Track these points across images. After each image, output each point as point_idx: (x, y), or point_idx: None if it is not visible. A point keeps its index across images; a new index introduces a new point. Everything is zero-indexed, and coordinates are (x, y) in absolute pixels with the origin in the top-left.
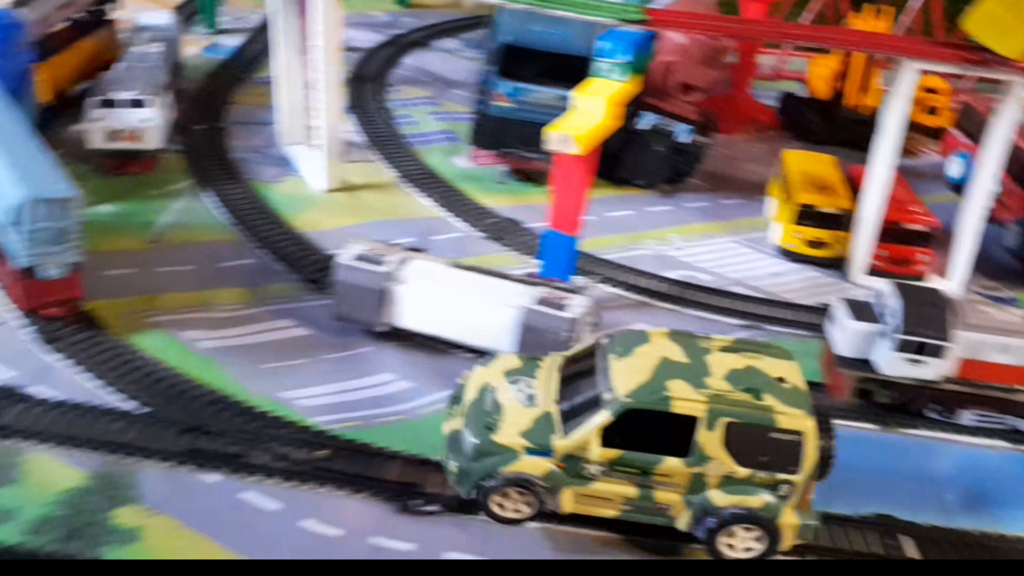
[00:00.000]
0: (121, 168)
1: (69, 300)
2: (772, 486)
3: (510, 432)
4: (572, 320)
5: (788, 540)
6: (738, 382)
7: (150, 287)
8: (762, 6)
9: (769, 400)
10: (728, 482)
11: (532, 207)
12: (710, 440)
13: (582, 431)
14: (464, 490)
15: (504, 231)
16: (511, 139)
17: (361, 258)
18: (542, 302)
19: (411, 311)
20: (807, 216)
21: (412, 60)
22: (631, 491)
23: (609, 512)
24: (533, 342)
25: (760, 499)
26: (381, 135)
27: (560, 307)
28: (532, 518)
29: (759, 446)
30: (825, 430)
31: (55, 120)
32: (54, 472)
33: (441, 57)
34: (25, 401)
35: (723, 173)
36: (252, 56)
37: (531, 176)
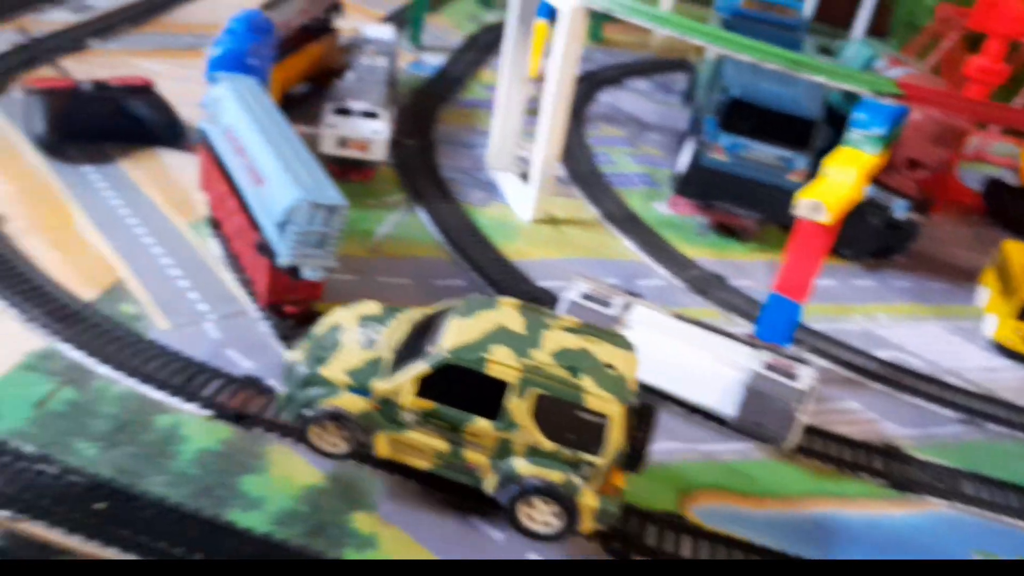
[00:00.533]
0: (343, 175)
1: (308, 300)
2: (575, 464)
3: (337, 368)
4: (802, 392)
5: (586, 522)
6: (563, 359)
7: (376, 296)
8: (984, 88)
9: (585, 381)
10: (533, 453)
11: (735, 264)
12: (519, 408)
13: (400, 378)
14: (289, 416)
15: (708, 285)
16: (722, 192)
17: (589, 297)
18: (771, 368)
19: None
20: None
21: (607, 97)
22: (442, 445)
23: (423, 464)
24: (758, 408)
25: (562, 475)
26: (582, 172)
27: (790, 376)
28: (349, 456)
29: (566, 423)
30: (643, 425)
31: None
32: (295, 467)
33: (634, 97)
34: (267, 394)
35: (928, 254)
36: (455, 77)
37: (733, 231)
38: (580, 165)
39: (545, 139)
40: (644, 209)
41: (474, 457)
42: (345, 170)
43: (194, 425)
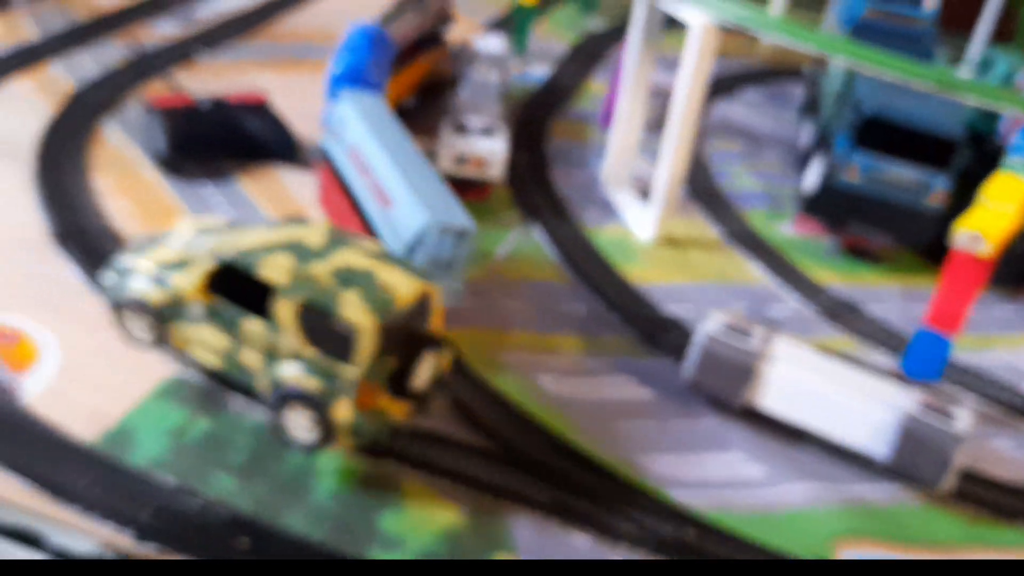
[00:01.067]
0: (459, 194)
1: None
2: (330, 375)
3: (148, 260)
4: (961, 436)
5: (341, 435)
6: (341, 274)
7: (497, 321)
8: None
9: (347, 294)
10: (297, 358)
11: (867, 289)
12: (285, 312)
13: (191, 274)
14: (108, 301)
15: (841, 313)
16: (854, 214)
17: (730, 329)
18: (927, 408)
19: (775, 393)
20: None
21: (719, 109)
22: (224, 343)
23: (211, 360)
24: (913, 451)
25: (319, 384)
26: (701, 189)
27: (947, 417)
28: (156, 345)
29: (323, 331)
30: (422, 356)
31: None
32: (431, 502)
33: (746, 109)
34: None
35: None
36: (562, 87)
37: (864, 254)
38: (699, 182)
39: (671, 157)
40: (767, 229)
41: (249, 358)
42: (461, 189)
43: (327, 457)
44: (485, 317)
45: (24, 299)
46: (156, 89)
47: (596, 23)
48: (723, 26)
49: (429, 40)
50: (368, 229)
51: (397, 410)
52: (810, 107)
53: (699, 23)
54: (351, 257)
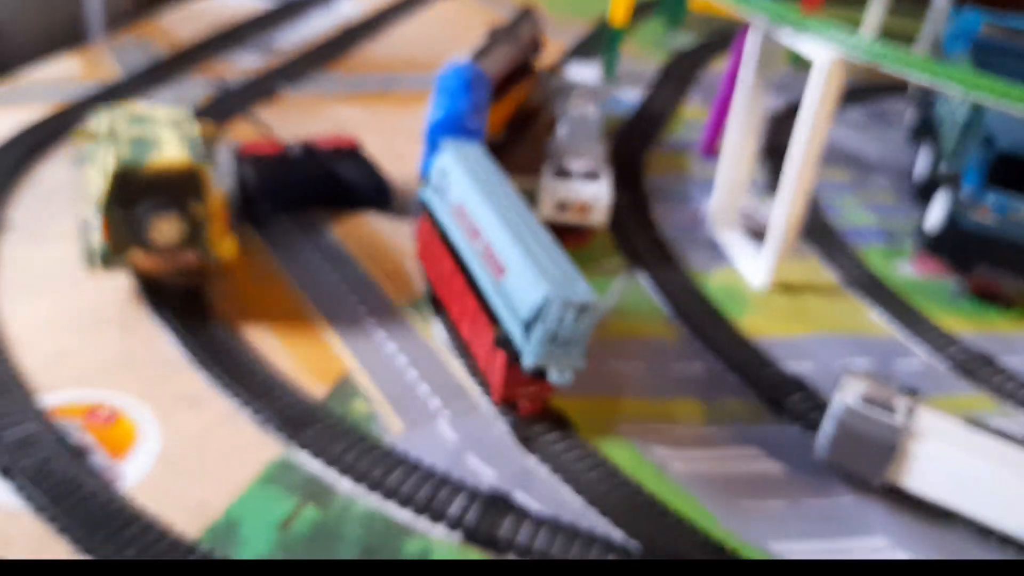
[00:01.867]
0: (561, 240)
1: (544, 395)
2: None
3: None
4: None
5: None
6: (132, 138)
7: (607, 386)
8: None
9: (116, 146)
10: None
11: (1001, 337)
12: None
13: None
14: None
15: (974, 366)
16: (985, 257)
17: (869, 401)
18: None
19: (922, 473)
20: None
21: None
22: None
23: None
24: None
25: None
26: (810, 225)
27: None
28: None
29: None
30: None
31: None
32: None
33: (848, 131)
34: (513, 511)
35: None
36: (655, 114)
37: (996, 298)
38: (809, 217)
39: (789, 199)
40: (886, 270)
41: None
42: (561, 235)
43: (444, 551)
44: (594, 382)
45: (120, 373)
46: (242, 131)
47: (683, 40)
48: (851, 60)
49: (520, 71)
50: (474, 293)
51: (140, 258)
52: (924, 131)
53: (825, 58)
54: (156, 127)
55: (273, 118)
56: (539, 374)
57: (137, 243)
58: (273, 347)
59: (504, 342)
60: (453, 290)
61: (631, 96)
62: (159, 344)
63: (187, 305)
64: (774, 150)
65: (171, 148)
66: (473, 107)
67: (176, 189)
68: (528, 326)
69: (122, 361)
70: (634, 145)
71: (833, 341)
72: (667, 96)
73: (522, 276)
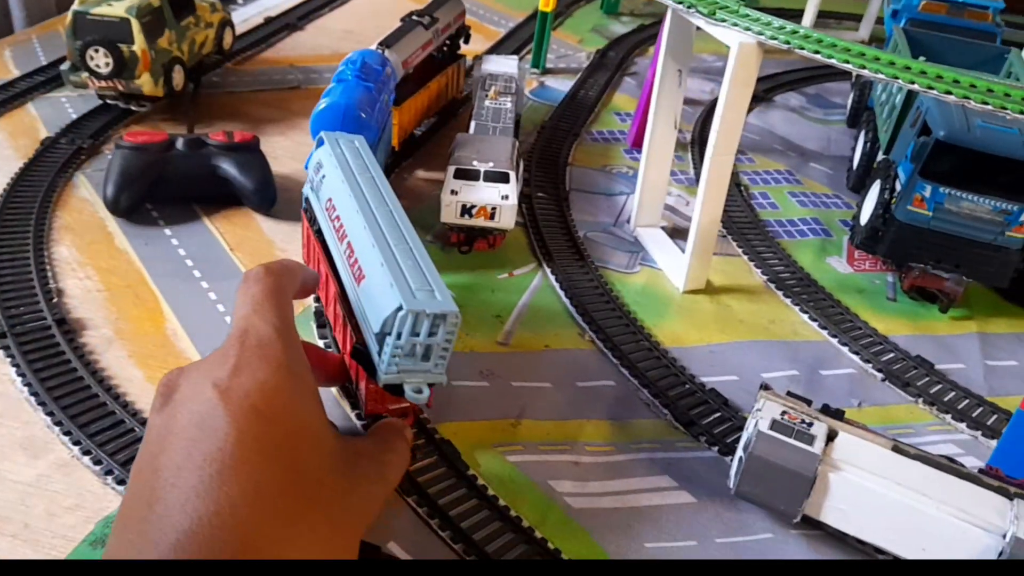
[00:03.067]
0: (467, 243)
1: (417, 410)
2: None
3: None
4: None
5: None
6: None
7: (506, 407)
8: None
9: None
10: None
11: (938, 339)
12: None
13: None
14: None
15: (908, 373)
16: (921, 252)
17: (781, 428)
18: None
19: (842, 507)
20: None
21: (755, 119)
22: None
23: None
24: None
25: None
26: (739, 220)
27: None
28: None
29: None
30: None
31: (394, 168)
32: None
33: (786, 117)
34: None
35: None
36: (584, 105)
37: (931, 295)
38: (736, 211)
39: (706, 198)
40: (818, 267)
41: None
42: (469, 238)
43: None
44: (490, 402)
45: None
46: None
47: (621, 25)
48: (764, 45)
49: (442, 59)
50: (344, 299)
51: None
52: (861, 115)
53: (736, 43)
54: None
55: (175, 124)
56: (396, 390)
57: (85, 69)
58: (126, 371)
59: (359, 354)
60: (328, 296)
61: (562, 85)
62: None
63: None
64: (702, 142)
65: (117, 7)
66: (367, 98)
67: (111, 32)
68: (381, 339)
69: None
70: (558, 138)
71: (759, 349)
72: (599, 85)
73: (379, 283)
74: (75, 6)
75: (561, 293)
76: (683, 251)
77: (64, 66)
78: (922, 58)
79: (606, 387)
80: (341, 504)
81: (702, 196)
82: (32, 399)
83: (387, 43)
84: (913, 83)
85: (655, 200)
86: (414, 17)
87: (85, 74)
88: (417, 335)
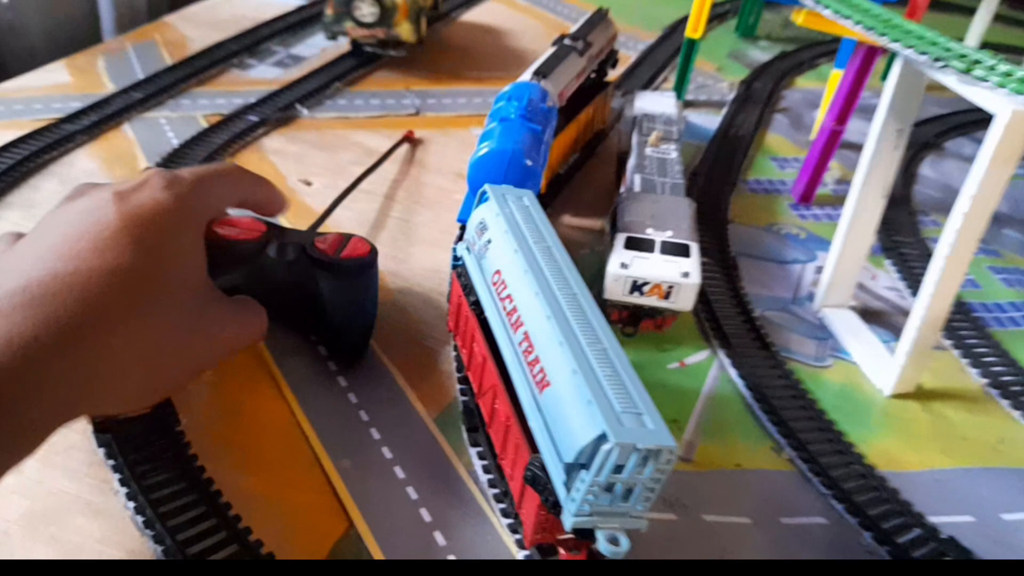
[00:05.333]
0: (632, 322)
1: (584, 546)
2: None
3: None
4: None
5: None
6: None
7: (701, 551)
8: None
9: None
10: None
11: None
12: None
13: None
14: None
15: None
16: None
17: None
18: None
19: None
20: None
21: (930, 171)
22: None
23: None
24: None
25: None
26: None
27: None
28: None
29: None
30: None
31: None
32: None
33: (965, 169)
34: None
35: None
36: (734, 145)
37: None
38: None
39: (932, 293)
40: None
41: None
42: (634, 317)
43: None
44: (691, 546)
45: None
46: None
47: (760, 50)
48: None
49: (592, 87)
50: (513, 403)
51: (352, 28)
52: None
53: (1008, 111)
54: None
55: (287, 147)
56: (585, 534)
57: (349, 18)
58: (250, 489)
59: (536, 481)
60: (484, 383)
61: (706, 121)
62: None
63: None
64: (895, 199)
65: None
66: (533, 140)
67: None
68: (572, 470)
69: None
70: (715, 186)
71: (991, 478)
72: (747, 123)
73: (571, 397)
74: None
75: (745, 392)
76: (880, 340)
77: (327, 17)
78: None
79: (817, 526)
80: (187, 327)
81: (933, 287)
82: None
83: (543, 73)
84: None
85: (848, 278)
86: (567, 42)
87: (350, 23)
88: (620, 471)
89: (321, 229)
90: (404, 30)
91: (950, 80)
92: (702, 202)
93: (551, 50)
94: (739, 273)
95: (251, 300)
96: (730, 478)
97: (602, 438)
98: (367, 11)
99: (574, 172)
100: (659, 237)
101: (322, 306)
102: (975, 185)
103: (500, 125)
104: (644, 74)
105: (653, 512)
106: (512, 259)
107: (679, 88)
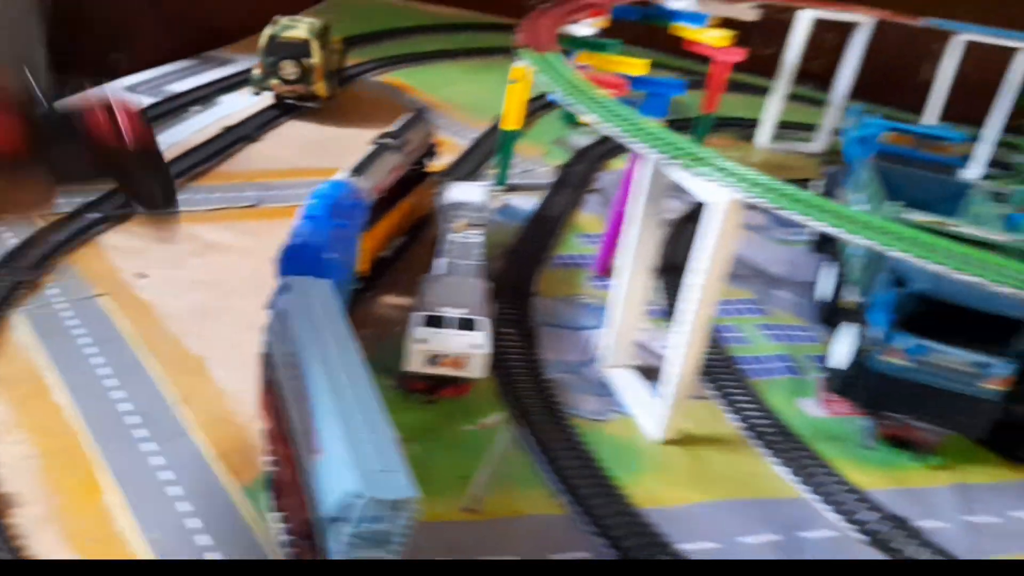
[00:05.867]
0: (433, 391)
1: None
2: None
3: None
4: None
5: None
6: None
7: None
8: None
9: None
10: None
11: (914, 492)
12: None
13: None
14: None
15: (890, 533)
16: (897, 401)
17: None
18: None
19: None
20: None
21: None
22: None
23: None
24: None
25: None
26: (711, 359)
27: None
28: None
29: None
30: None
31: (363, 292)
32: None
33: (750, 238)
34: None
35: None
36: (549, 226)
37: (907, 444)
38: (709, 350)
39: (684, 352)
40: (791, 411)
41: None
42: (435, 386)
43: None
44: None
45: None
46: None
47: (582, 136)
48: (748, 202)
49: (412, 178)
50: (296, 471)
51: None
52: (824, 243)
53: (722, 201)
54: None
55: (126, 242)
56: None
57: (275, 76)
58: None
59: (310, 536)
60: (280, 457)
61: (527, 203)
62: None
63: None
64: (671, 268)
65: (300, 31)
66: (337, 236)
67: (297, 50)
68: (332, 523)
69: None
70: (523, 265)
71: (737, 509)
72: (564, 203)
73: (334, 460)
74: (268, 31)
75: (531, 447)
76: (656, 394)
77: (255, 75)
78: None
79: (578, 560)
80: None
81: (685, 347)
82: None
83: (358, 171)
84: (908, 253)
85: (626, 341)
86: (384, 140)
87: (275, 80)
88: (374, 521)
89: None
90: (320, 87)
91: (681, 175)
92: (512, 278)
93: (369, 149)
94: (537, 341)
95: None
96: (509, 525)
97: (353, 493)
98: (290, 71)
99: (400, 255)
100: (453, 314)
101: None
102: (705, 260)
103: (307, 221)
104: (474, 161)
105: (427, 557)
106: (305, 343)
107: (501, 175)
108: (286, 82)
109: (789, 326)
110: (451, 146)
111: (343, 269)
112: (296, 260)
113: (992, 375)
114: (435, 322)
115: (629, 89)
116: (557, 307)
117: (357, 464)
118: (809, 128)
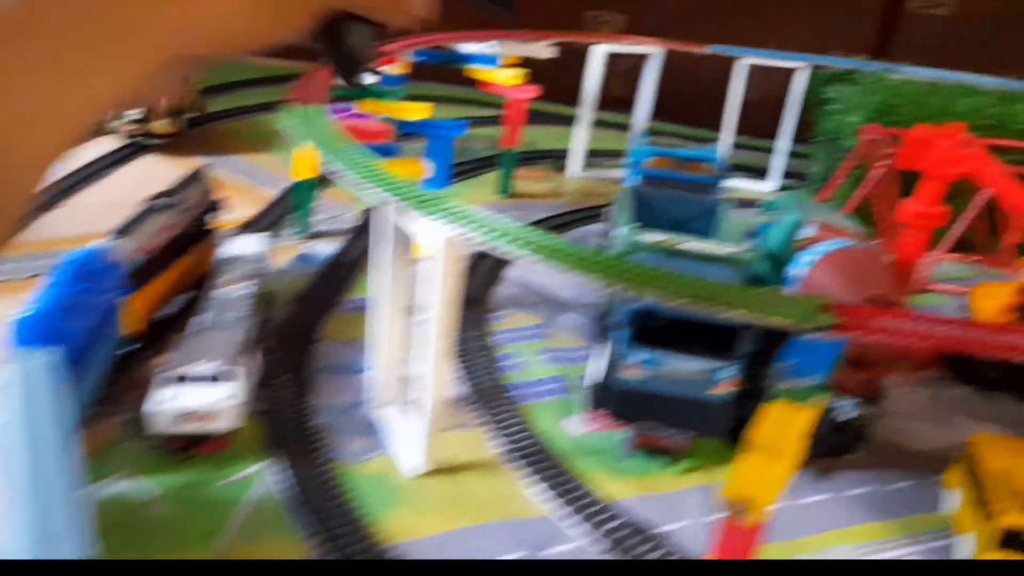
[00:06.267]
0: (189, 447)
1: None
2: None
3: None
4: None
5: None
6: None
7: None
8: (922, 235)
9: None
10: None
11: (662, 497)
12: None
13: None
14: None
15: (631, 542)
16: (642, 411)
17: None
18: None
19: None
20: (1016, 543)
21: (518, 271)
22: None
23: None
24: None
25: None
26: (483, 387)
27: None
28: None
29: None
30: None
31: (139, 352)
32: None
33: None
34: None
35: (884, 439)
36: (345, 271)
37: (660, 451)
38: (481, 377)
39: (430, 384)
40: (554, 431)
41: None
42: (191, 442)
43: None
44: None
45: None
46: None
47: None
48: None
49: (192, 235)
50: None
51: None
52: None
53: (440, 242)
54: None
55: None
56: None
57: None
58: None
59: None
60: None
61: (327, 249)
62: None
63: None
64: (475, 300)
65: None
66: (75, 302)
67: None
68: None
69: None
70: (312, 311)
71: (490, 533)
72: (363, 246)
73: (19, 530)
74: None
75: (287, 494)
76: (415, 431)
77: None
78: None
79: None
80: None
81: (429, 380)
82: None
83: (122, 232)
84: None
85: (392, 378)
86: (156, 200)
87: (122, 121)
88: None
89: None
90: (161, 125)
91: (407, 218)
92: (298, 324)
93: (137, 210)
94: (312, 387)
95: None
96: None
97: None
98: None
99: (186, 312)
100: (200, 370)
101: None
102: (434, 296)
103: (46, 289)
104: (281, 211)
105: None
106: (15, 417)
107: (303, 223)
108: (132, 122)
109: (569, 348)
110: (257, 196)
111: (84, 333)
112: (28, 328)
113: (720, 379)
114: (179, 380)
115: (394, 135)
116: (340, 351)
117: (28, 530)
118: (618, 155)
